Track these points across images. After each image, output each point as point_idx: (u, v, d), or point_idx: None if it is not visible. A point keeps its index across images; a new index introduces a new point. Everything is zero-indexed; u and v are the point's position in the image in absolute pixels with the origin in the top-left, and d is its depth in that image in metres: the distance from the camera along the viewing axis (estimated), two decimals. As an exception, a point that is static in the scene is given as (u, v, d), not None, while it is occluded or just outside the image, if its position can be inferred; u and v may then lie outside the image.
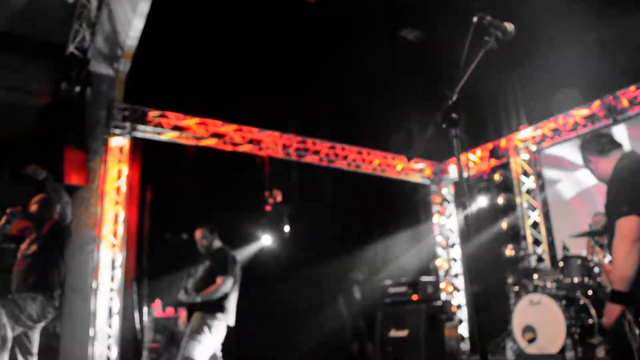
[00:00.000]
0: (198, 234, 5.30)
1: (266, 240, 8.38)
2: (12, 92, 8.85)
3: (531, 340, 5.95)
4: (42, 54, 7.93)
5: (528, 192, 8.19)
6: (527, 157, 8.25)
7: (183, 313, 5.37)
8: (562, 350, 5.56)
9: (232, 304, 5.13)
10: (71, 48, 7.09)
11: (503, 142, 8.46)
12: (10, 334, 4.03)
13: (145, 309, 6.44)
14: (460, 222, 9.34)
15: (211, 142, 7.61)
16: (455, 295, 9.15)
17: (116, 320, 6.37)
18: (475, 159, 8.87)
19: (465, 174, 2.37)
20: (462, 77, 2.40)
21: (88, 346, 6.17)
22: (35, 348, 4.26)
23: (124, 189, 6.83)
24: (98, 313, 6.32)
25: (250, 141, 7.93)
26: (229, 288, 5.02)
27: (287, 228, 8.24)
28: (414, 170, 9.54)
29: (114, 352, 6.26)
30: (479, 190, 8.53)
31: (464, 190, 2.42)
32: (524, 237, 7.86)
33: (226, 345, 5.19)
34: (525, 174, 8.27)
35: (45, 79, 8.03)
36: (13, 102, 9.07)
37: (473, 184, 8.59)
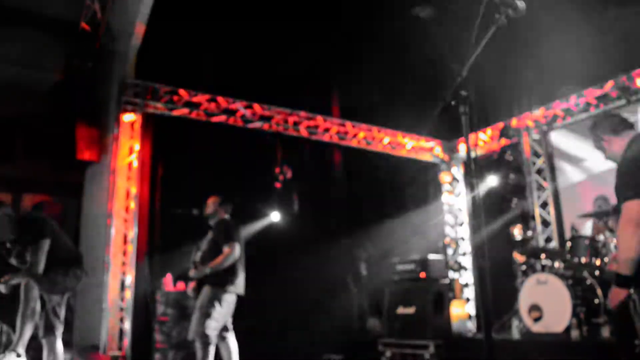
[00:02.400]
0: (209, 200, 5.38)
1: (275, 216, 8.44)
2: (25, 68, 8.91)
3: (537, 319, 6.01)
4: (55, 30, 7.96)
5: (538, 172, 8.18)
6: (537, 137, 8.22)
7: (192, 284, 5.46)
8: (568, 329, 5.62)
9: (240, 273, 5.19)
10: (83, 24, 7.12)
11: (514, 122, 8.42)
12: (39, 307, 4.20)
13: (156, 283, 6.55)
14: (469, 201, 9.36)
15: (222, 118, 7.64)
16: (463, 274, 9.21)
17: (128, 294, 6.50)
18: (485, 138, 8.85)
19: (473, 153, 2.40)
20: (472, 54, 2.41)
21: (102, 319, 6.31)
22: (62, 316, 4.42)
23: (135, 164, 6.89)
24: (111, 287, 6.44)
25: (261, 118, 7.96)
26: (237, 255, 5.06)
27: (296, 205, 8.31)
28: (424, 149, 9.53)
29: (127, 324, 6.40)
30: (489, 170, 8.52)
31: (473, 169, 2.45)
32: (533, 217, 7.87)
33: (236, 317, 5.28)
34: (536, 154, 8.25)
35: (58, 56, 8.08)
36: (26, 79, 9.14)
37: (483, 164, 8.59)
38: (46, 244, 4.25)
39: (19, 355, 4.21)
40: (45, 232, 4.32)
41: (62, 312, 4.42)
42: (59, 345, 4.35)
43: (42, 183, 10.34)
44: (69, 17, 7.39)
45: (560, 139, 8.18)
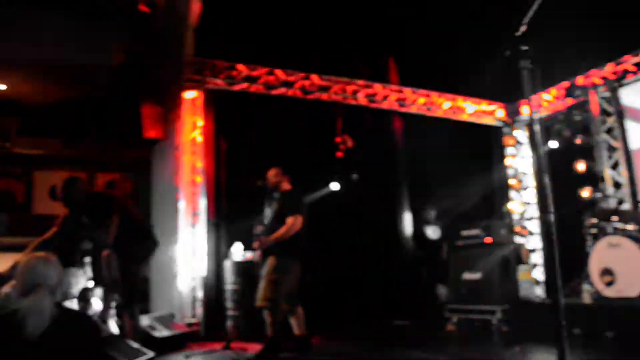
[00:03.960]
0: (271, 171, 5.47)
1: (337, 185, 8.50)
2: (88, 52, 9.24)
3: (609, 283, 5.86)
4: (113, 13, 8.19)
5: (607, 131, 7.84)
6: (607, 95, 7.85)
7: (259, 254, 5.62)
8: (643, 292, 5.45)
9: (302, 243, 5.30)
10: (141, 5, 7.28)
11: (580, 80, 8.07)
12: (119, 277, 4.46)
13: (225, 253, 6.77)
14: (534, 164, 9.10)
15: (281, 91, 7.71)
16: (529, 238, 9.02)
17: (199, 265, 6.75)
18: (549, 98, 8.54)
19: (537, 112, 2.33)
20: (532, 6, 2.33)
21: (175, 289, 6.62)
22: (138, 285, 4.69)
23: (199, 139, 7.09)
24: (182, 258, 6.71)
25: (320, 88, 7.97)
26: (299, 227, 5.16)
27: (358, 173, 8.34)
28: (485, 112, 9.31)
29: (199, 294, 6.67)
30: (555, 131, 8.23)
31: (538, 130, 2.40)
32: (603, 179, 7.58)
33: (303, 284, 5.41)
34: (605, 112, 7.89)
35: (118, 38, 8.33)
36: (90, 62, 9.48)
37: (548, 125, 8.30)
38: (116, 219, 4.48)
39: (104, 322, 4.49)
40: (114, 208, 4.55)
41: (138, 282, 4.66)
42: (137, 312, 4.60)
43: (113, 162, 10.79)
44: (128, -1, 7.58)
45: (631, 97, 7.74)
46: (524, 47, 2.34)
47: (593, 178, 7.63)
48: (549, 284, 8.40)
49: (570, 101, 8.29)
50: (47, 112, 11.33)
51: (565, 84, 8.28)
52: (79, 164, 10.39)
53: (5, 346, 2.23)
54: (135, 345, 4.59)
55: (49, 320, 2.27)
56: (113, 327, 4.71)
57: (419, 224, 8.66)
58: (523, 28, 2.35)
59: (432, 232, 8.51)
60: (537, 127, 2.40)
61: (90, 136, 11.23)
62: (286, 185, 5.46)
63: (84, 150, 11.07)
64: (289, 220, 5.11)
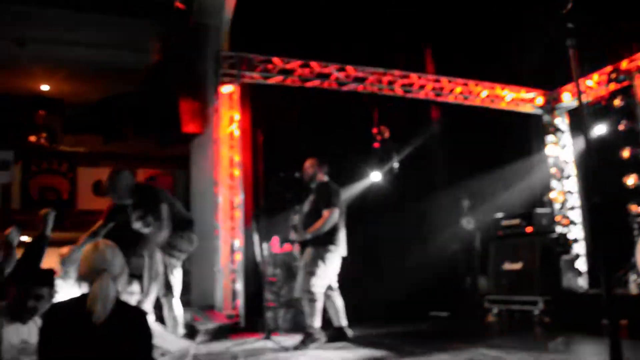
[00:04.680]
0: (307, 163, 5.48)
1: (375, 176, 8.46)
2: (126, 50, 9.44)
3: (657, 273, 5.68)
4: (150, 11, 8.33)
5: (654, 116, 7.58)
6: (652, 79, 7.59)
7: (297, 246, 5.67)
8: (693, 281, 5.27)
9: (342, 235, 5.31)
10: (177, 2, 7.39)
11: (624, 64, 7.82)
12: (162, 269, 4.55)
13: (264, 245, 6.83)
14: (576, 152, 8.88)
15: (316, 83, 7.72)
16: (572, 228, 8.82)
17: (239, 257, 6.84)
18: (591, 84, 8.30)
19: (579, 98, 2.26)
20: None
21: (216, 281, 6.72)
22: (179, 277, 4.76)
23: (237, 133, 7.16)
24: (222, 251, 6.81)
25: (355, 79, 7.95)
26: (335, 220, 5.17)
27: (395, 164, 8.28)
28: (524, 100, 9.12)
29: (239, 285, 6.77)
30: (597, 118, 8.00)
31: (582, 115, 2.33)
32: (649, 166, 7.35)
33: (342, 275, 5.44)
34: (651, 97, 7.63)
35: (155, 35, 8.47)
36: (130, 61, 9.69)
37: (590, 111, 8.08)
38: (165, 209, 4.55)
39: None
40: (161, 198, 4.63)
41: (179, 274, 4.74)
42: (178, 304, 4.68)
43: (152, 157, 11.03)
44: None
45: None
46: (570, 25, 2.25)
47: (638, 165, 7.40)
48: (593, 274, 8.21)
49: (613, 86, 8.04)
50: (88, 110, 11.65)
51: (609, 68, 8.04)
52: (120, 159, 10.65)
53: (74, 330, 2.32)
54: (177, 336, 4.68)
55: (112, 307, 2.35)
56: (154, 318, 4.81)
57: (455, 214, 8.56)
58: (569, 5, 2.27)
59: (467, 222, 8.40)
60: (582, 113, 2.32)
61: (130, 132, 11.49)
62: (322, 177, 5.46)
63: (125, 147, 11.33)
64: (325, 213, 5.13)
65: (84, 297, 2.39)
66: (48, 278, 3.10)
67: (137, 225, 4.63)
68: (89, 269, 2.46)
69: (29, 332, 2.99)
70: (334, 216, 5.14)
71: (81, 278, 2.48)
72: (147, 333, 2.50)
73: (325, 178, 5.48)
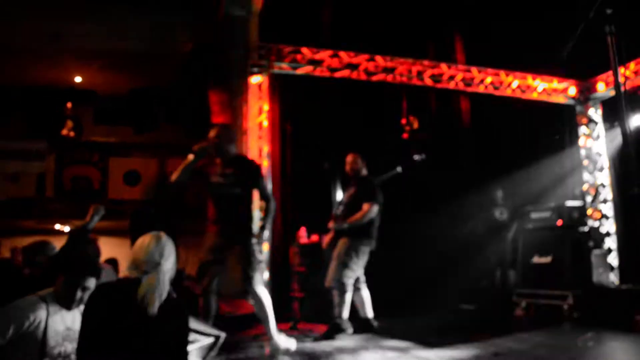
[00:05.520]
0: (350, 157, 5.54)
1: (403, 168, 8.41)
2: (158, 42, 9.56)
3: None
4: (180, 3, 8.41)
5: (691, 108, 7.37)
6: (692, 68, 7.37)
7: (326, 238, 5.69)
8: None
9: (375, 229, 5.34)
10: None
11: (662, 53, 7.61)
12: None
13: (291, 236, 6.88)
14: (610, 143, 8.68)
15: (345, 73, 7.69)
16: (604, 222, 8.64)
17: (266, 247, 6.88)
18: (628, 74, 8.08)
19: (614, 89, 2.20)
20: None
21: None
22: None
23: (265, 124, 7.19)
24: (249, 240, 6.85)
25: (384, 70, 7.90)
26: (374, 214, 5.22)
27: (424, 155, 8.22)
28: (556, 90, 8.94)
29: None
30: (633, 109, 7.80)
31: (620, 105, 2.27)
32: (686, 158, 7.14)
33: (371, 268, 5.45)
34: (689, 87, 7.41)
35: (186, 27, 8.56)
36: (160, 52, 9.81)
37: (627, 101, 7.88)
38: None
39: None
40: (261, 174, 4.78)
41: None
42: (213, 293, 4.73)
43: (182, 148, 11.15)
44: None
45: None
46: (609, 11, 2.18)
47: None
48: (624, 269, 8.05)
49: (650, 76, 7.83)
50: (119, 101, 11.86)
51: (645, 57, 7.82)
52: (151, 150, 10.82)
53: (118, 312, 2.42)
54: (208, 325, 4.75)
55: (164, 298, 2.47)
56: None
57: (486, 205, 8.47)
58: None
59: (500, 213, 8.30)
60: (620, 103, 2.25)
61: (160, 123, 11.67)
62: (365, 172, 5.54)
63: (155, 137, 11.51)
64: (365, 206, 5.21)
65: (132, 282, 2.48)
66: (96, 270, 3.20)
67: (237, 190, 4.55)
68: (147, 260, 2.56)
69: (73, 318, 3.08)
70: (373, 210, 5.24)
71: (135, 264, 2.57)
72: (185, 323, 2.59)
73: (366, 172, 5.56)
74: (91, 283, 3.08)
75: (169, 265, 2.61)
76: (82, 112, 12.07)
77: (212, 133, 4.61)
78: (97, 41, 9.71)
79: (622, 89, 2.06)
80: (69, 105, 11.21)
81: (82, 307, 3.05)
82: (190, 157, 4.44)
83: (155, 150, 10.91)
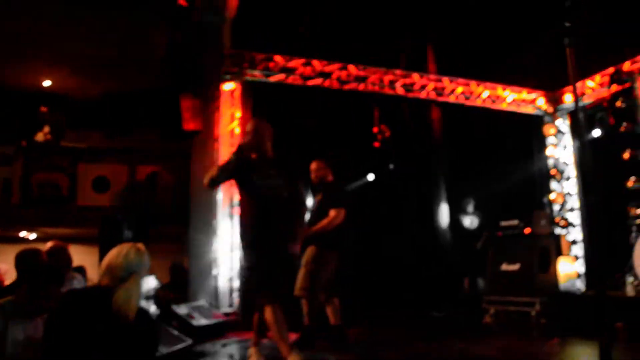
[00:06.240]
0: (314, 165, 5.50)
1: (373, 175, 8.48)
2: (130, 47, 9.47)
3: (654, 275, 5.69)
4: (154, 8, 8.34)
5: (655, 119, 7.58)
6: (653, 81, 7.59)
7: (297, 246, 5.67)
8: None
9: (343, 235, 5.33)
10: (180, 0, 7.40)
11: (626, 65, 7.81)
12: None
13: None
14: (576, 153, 8.88)
15: (318, 81, 7.72)
16: (571, 230, 8.82)
17: (237, 255, 6.86)
18: (593, 85, 8.29)
19: (580, 99, 2.25)
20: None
21: (213, 279, 6.74)
22: None
23: (237, 131, 7.17)
24: (220, 249, 6.83)
25: (356, 78, 7.95)
26: (341, 220, 5.19)
27: (395, 163, 8.30)
28: (525, 101, 9.11)
29: (236, 283, 6.79)
30: (598, 119, 8.00)
31: (578, 116, 2.33)
32: (649, 168, 7.34)
33: (340, 275, 5.45)
34: (652, 99, 7.62)
35: (159, 33, 8.49)
36: (132, 57, 9.71)
37: (592, 113, 8.08)
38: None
39: None
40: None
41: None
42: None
43: (153, 154, 11.02)
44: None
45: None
46: (568, 24, 2.24)
47: (638, 167, 7.40)
48: (590, 276, 8.21)
49: (615, 88, 8.04)
50: (90, 106, 11.68)
51: (611, 70, 8.04)
52: (121, 156, 10.65)
53: (89, 319, 2.43)
54: (175, 332, 4.71)
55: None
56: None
57: (456, 214, 8.57)
58: (568, 2, 2.27)
59: (470, 222, 8.41)
60: (580, 115, 2.31)
61: (131, 129, 11.53)
62: (330, 177, 5.49)
63: (126, 143, 11.36)
64: (332, 212, 5.14)
65: (105, 289, 2.50)
66: (58, 277, 3.15)
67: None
68: (125, 267, 2.58)
69: (34, 328, 3.02)
70: (340, 216, 5.16)
71: (110, 272, 2.56)
72: (155, 329, 2.61)
73: (332, 177, 5.50)
74: (53, 290, 3.03)
75: (143, 274, 2.65)
76: (52, 117, 11.86)
77: (248, 127, 4.28)
78: (68, 44, 9.58)
79: (582, 100, 2.10)
80: (43, 109, 10.99)
81: (45, 315, 3.00)
82: (231, 157, 4.08)
83: (125, 157, 10.74)
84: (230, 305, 6.71)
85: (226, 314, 6.49)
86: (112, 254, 2.65)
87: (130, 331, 2.46)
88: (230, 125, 7.18)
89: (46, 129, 10.83)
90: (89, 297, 2.56)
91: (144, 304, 4.49)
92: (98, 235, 6.60)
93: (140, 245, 2.72)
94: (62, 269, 3.94)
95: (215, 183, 4.18)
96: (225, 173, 4.07)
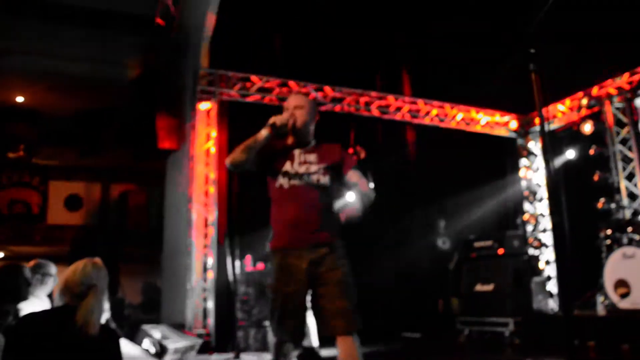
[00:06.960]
0: None
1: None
2: (106, 65, 9.41)
3: (624, 295, 5.79)
4: (131, 27, 8.33)
5: (622, 142, 7.78)
6: (621, 106, 7.80)
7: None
8: (658, 305, 5.37)
9: None
10: (157, 19, 7.40)
11: (595, 90, 8.03)
12: None
13: (237, 264, 6.80)
14: (547, 175, 9.03)
15: (293, 102, 7.74)
16: (544, 251, 8.94)
17: (211, 275, 6.78)
18: (563, 109, 8.49)
19: (550, 125, 2.31)
20: (542, 9, 2.31)
21: (186, 299, 6.64)
22: None
23: (213, 150, 7.14)
24: (194, 268, 6.75)
25: (332, 100, 8.01)
26: None
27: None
28: (499, 123, 9.28)
29: (210, 304, 6.70)
30: (568, 142, 8.18)
31: (545, 139, 2.39)
32: (618, 190, 7.51)
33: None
34: (619, 123, 7.83)
35: (135, 51, 8.47)
36: (108, 75, 9.65)
37: (562, 135, 8.26)
38: None
39: None
40: None
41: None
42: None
43: (127, 172, 10.93)
44: (144, 13, 7.70)
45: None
46: (532, 50, 2.30)
47: (608, 189, 7.56)
48: (563, 296, 8.31)
49: (584, 112, 8.24)
50: (63, 123, 11.55)
51: (580, 94, 8.24)
52: (94, 174, 10.53)
53: (51, 341, 2.36)
54: (149, 353, 4.62)
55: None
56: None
57: (429, 235, 8.62)
58: (533, 29, 2.34)
59: (442, 243, 8.47)
60: (548, 138, 2.38)
61: (105, 147, 11.41)
62: None
63: (100, 161, 11.23)
64: None
65: (63, 308, 2.44)
66: (14, 294, 3.06)
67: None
68: (82, 281, 2.51)
69: None
70: None
71: (68, 290, 2.50)
72: (118, 345, 2.56)
73: None
74: (9, 308, 2.95)
75: (104, 286, 2.58)
76: (24, 133, 11.69)
77: (292, 102, 3.17)
78: (43, 61, 9.48)
79: (553, 124, 2.16)
80: (15, 125, 10.83)
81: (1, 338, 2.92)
82: (263, 132, 3.00)
83: (98, 174, 10.62)
84: (204, 327, 6.61)
85: (199, 335, 6.39)
86: (68, 271, 2.59)
87: (94, 347, 2.41)
88: (206, 144, 7.16)
89: (17, 145, 10.67)
90: (49, 317, 2.50)
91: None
92: (68, 254, 6.49)
93: (97, 259, 2.67)
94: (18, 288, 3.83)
95: (239, 165, 3.02)
96: (251, 152, 2.99)
